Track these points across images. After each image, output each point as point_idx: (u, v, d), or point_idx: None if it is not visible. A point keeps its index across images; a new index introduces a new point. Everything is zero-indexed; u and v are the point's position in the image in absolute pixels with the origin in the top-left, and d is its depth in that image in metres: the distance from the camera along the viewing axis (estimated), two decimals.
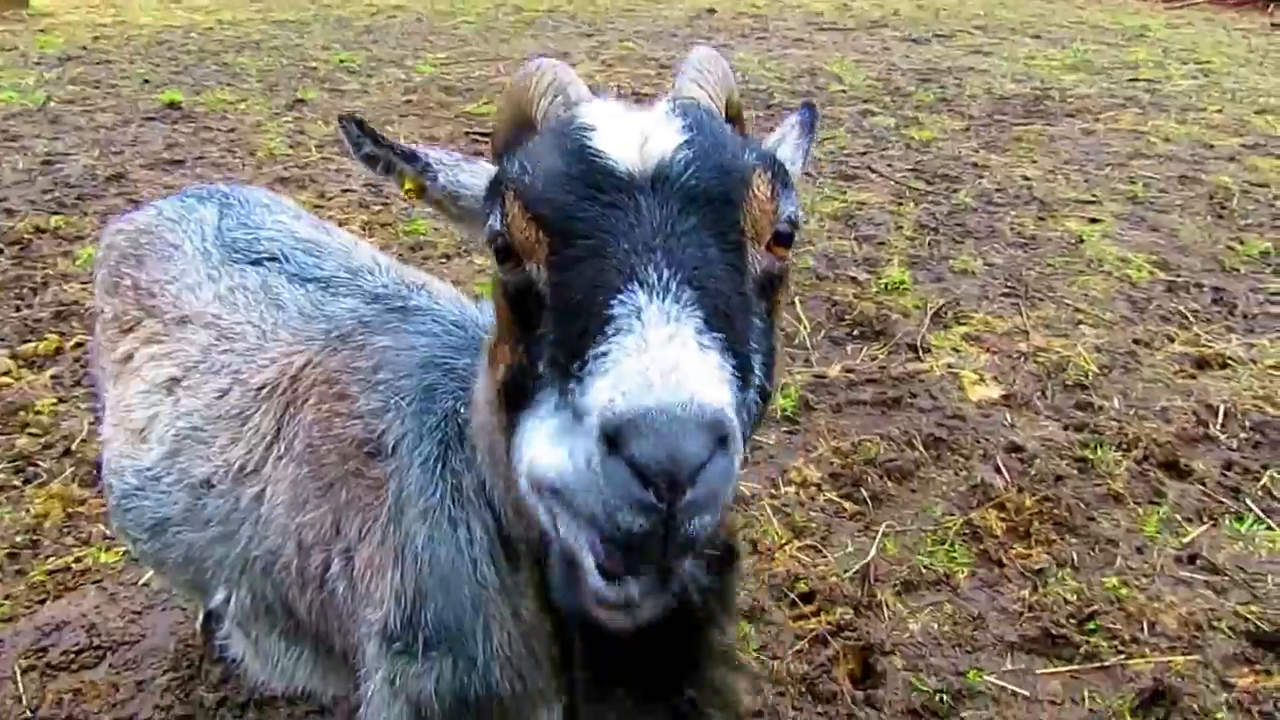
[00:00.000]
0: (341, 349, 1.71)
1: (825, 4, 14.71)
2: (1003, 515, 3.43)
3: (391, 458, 1.57)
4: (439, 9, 13.79)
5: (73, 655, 2.79)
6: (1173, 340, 4.64)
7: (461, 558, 1.49)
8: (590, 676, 1.18)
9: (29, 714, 2.61)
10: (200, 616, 2.82)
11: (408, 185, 1.42)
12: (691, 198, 1.07)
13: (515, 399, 1.10)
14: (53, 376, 4.17)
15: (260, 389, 1.77)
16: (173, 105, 7.99)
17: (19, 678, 2.70)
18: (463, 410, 1.53)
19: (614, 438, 0.89)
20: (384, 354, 1.66)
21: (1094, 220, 6.05)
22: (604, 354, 0.95)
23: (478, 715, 1.55)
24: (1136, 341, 4.62)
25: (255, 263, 2.00)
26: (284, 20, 12.51)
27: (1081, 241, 5.72)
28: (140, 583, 3.06)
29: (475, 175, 1.39)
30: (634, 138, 1.11)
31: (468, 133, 7.53)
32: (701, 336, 0.96)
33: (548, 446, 1.00)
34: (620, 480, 0.89)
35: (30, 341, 4.40)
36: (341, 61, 10.02)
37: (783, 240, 1.18)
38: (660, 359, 0.92)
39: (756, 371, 1.09)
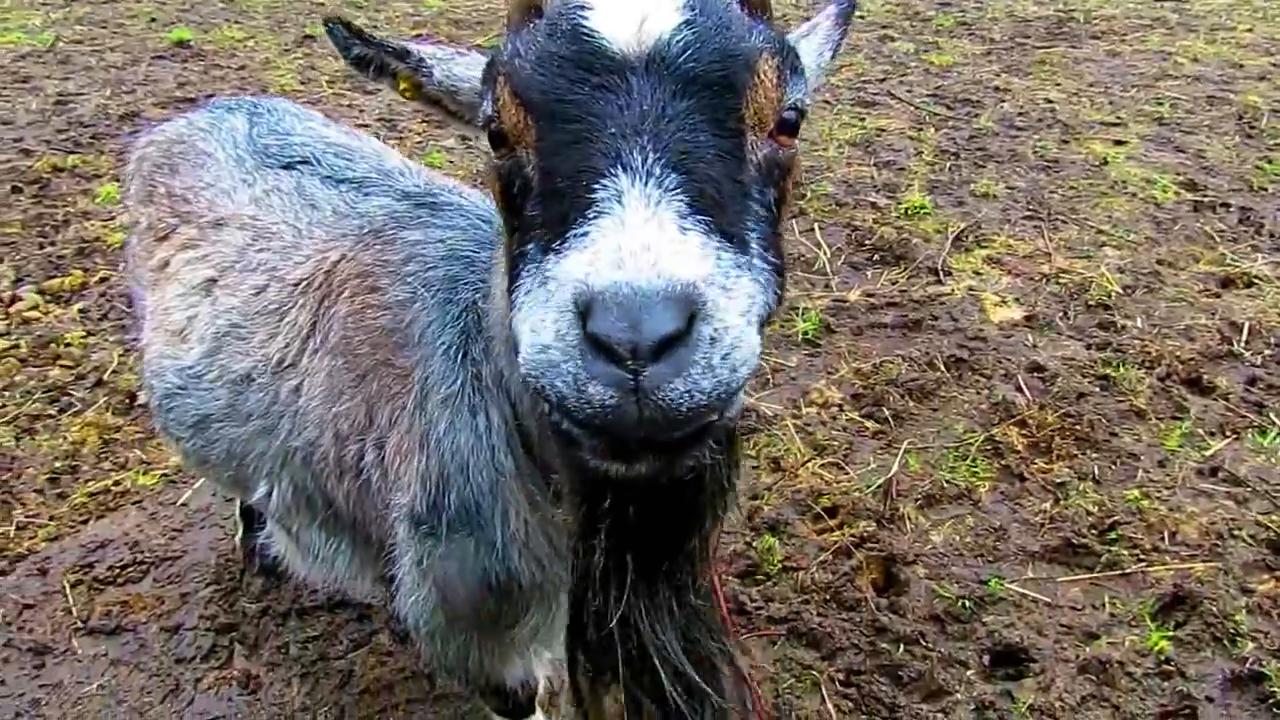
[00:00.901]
0: (374, 243, 1.73)
1: None
2: (1024, 432, 3.45)
3: (417, 346, 1.60)
4: None
5: (118, 570, 2.88)
6: (1198, 260, 4.59)
7: (480, 444, 1.53)
8: (599, 542, 1.18)
9: (80, 624, 2.71)
10: (239, 532, 2.90)
11: (402, 85, 1.40)
12: (688, 80, 1.04)
13: (511, 284, 1.11)
14: (80, 310, 4.22)
15: (297, 285, 1.80)
16: (182, 44, 7.89)
17: (68, 591, 2.80)
18: (481, 302, 1.55)
19: (583, 312, 0.90)
20: (414, 247, 1.68)
21: (1119, 142, 5.93)
22: (583, 235, 0.95)
23: (499, 598, 1.59)
24: (1160, 262, 4.57)
25: (288, 167, 2.02)
26: None
27: (1106, 164, 5.62)
28: (179, 503, 3.14)
29: (471, 67, 1.37)
30: (632, 18, 1.07)
31: None
32: (684, 220, 0.95)
33: (529, 325, 1.01)
34: (586, 353, 0.89)
35: (56, 277, 4.44)
36: None
37: (788, 128, 1.15)
38: (635, 238, 0.92)
39: (757, 259, 1.07)
